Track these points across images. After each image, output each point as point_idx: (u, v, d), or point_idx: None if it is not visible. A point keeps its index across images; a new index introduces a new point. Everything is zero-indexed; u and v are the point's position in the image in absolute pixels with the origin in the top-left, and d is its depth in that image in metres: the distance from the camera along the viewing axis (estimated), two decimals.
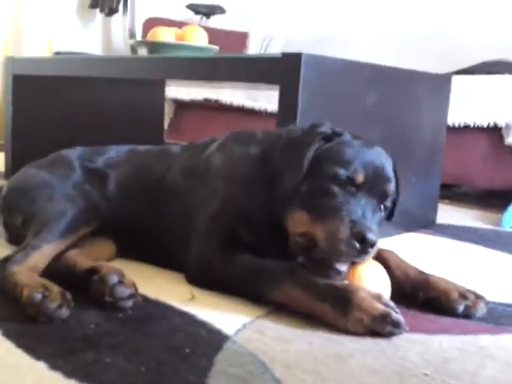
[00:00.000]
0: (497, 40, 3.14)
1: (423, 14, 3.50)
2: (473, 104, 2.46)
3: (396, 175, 1.20)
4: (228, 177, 1.30)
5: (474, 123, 2.45)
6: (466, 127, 2.48)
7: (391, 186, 1.15)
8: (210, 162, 1.36)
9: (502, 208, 2.19)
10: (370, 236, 1.03)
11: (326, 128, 1.18)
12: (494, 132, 2.44)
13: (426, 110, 1.91)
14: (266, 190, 1.21)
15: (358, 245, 1.03)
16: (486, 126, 2.43)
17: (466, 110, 2.46)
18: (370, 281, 1.10)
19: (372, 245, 1.04)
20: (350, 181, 1.10)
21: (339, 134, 1.18)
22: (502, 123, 2.39)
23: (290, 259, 1.15)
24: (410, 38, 3.41)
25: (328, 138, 1.17)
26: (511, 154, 2.41)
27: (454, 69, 2.78)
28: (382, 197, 1.14)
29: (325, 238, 1.06)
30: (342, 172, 1.10)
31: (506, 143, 2.40)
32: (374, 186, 1.12)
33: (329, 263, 1.07)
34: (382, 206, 1.15)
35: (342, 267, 1.08)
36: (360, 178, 1.10)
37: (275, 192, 1.18)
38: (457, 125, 2.46)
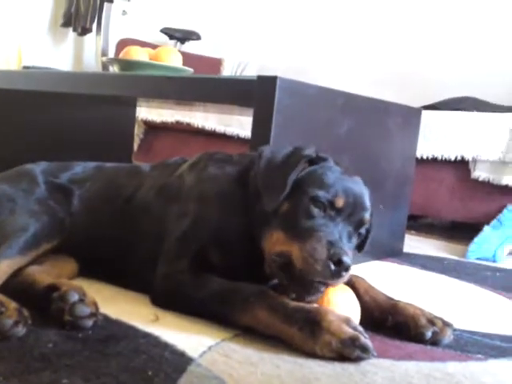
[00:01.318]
0: (463, 78, 3.23)
1: (396, 50, 3.58)
2: (441, 138, 2.51)
3: (370, 206, 1.21)
4: (200, 197, 1.28)
5: (442, 156, 2.49)
6: (434, 160, 2.52)
7: (368, 215, 1.17)
8: (181, 182, 1.34)
9: (468, 240, 2.21)
10: (346, 259, 1.04)
11: (310, 151, 1.19)
12: (461, 165, 2.48)
13: (396, 141, 1.93)
14: (241, 210, 1.20)
15: (333, 267, 1.03)
16: (453, 159, 2.47)
17: (433, 143, 2.51)
18: (340, 305, 1.08)
19: (347, 268, 1.05)
20: (331, 204, 1.12)
21: (323, 159, 1.20)
22: (468, 157, 2.44)
23: (262, 282, 1.14)
24: (382, 72, 3.49)
25: (312, 161, 1.18)
26: (477, 187, 2.45)
27: (422, 104, 2.83)
28: (358, 224, 1.15)
29: (301, 257, 1.06)
30: (323, 195, 1.12)
31: (472, 177, 2.45)
32: (353, 212, 1.13)
33: (309, 281, 1.06)
34: (357, 234, 1.16)
35: (321, 287, 1.07)
36: (340, 202, 1.12)
37: (251, 212, 1.18)
38: (425, 157, 2.50)
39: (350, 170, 1.21)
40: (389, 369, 0.99)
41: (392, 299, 1.21)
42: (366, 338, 0.99)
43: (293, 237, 1.09)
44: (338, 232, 1.10)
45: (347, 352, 0.97)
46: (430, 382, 0.95)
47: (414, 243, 2.26)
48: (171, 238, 1.25)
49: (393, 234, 2.00)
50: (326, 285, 1.07)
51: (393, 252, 1.99)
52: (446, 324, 1.15)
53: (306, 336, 0.99)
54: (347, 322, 1.00)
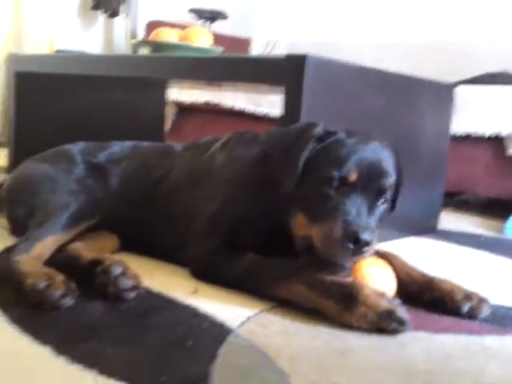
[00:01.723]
0: (500, 51, 3.15)
1: (428, 23, 3.51)
2: (475, 114, 2.46)
3: (398, 166, 1.20)
4: (229, 178, 1.30)
5: (476, 133, 2.46)
6: (469, 136, 2.48)
7: (388, 181, 1.13)
8: (211, 163, 1.36)
9: (504, 216, 2.19)
10: (364, 236, 1.02)
11: (319, 129, 1.16)
12: (496, 142, 2.44)
13: (429, 118, 1.91)
14: (267, 191, 1.21)
15: (351, 245, 1.03)
16: (488, 136, 2.44)
17: (468, 119, 2.47)
18: (374, 279, 1.09)
19: (367, 244, 1.03)
20: (343, 181, 1.09)
21: (332, 134, 1.16)
22: (504, 134, 2.40)
23: (291, 259, 1.15)
24: (415, 47, 3.42)
25: (322, 138, 1.15)
26: None
27: (457, 79, 2.78)
28: (378, 192, 1.12)
29: (319, 240, 1.06)
30: (334, 173, 1.09)
31: (507, 154, 2.41)
32: (369, 182, 1.10)
33: (332, 262, 1.07)
34: (382, 201, 1.13)
35: (347, 264, 1.08)
36: (353, 177, 1.09)
37: (276, 193, 1.18)
38: (459, 134, 2.47)
39: (366, 137, 1.16)
40: (426, 341, 1.00)
41: (427, 275, 1.20)
42: (402, 311, 1.00)
43: (312, 220, 1.09)
44: (356, 207, 1.07)
45: (384, 324, 0.99)
46: (468, 355, 0.96)
47: (449, 220, 2.25)
48: (203, 217, 1.28)
49: (428, 211, 1.99)
50: (351, 263, 1.08)
51: (428, 228, 1.98)
52: (482, 299, 1.15)
53: (343, 309, 1.01)
54: (383, 295, 1.02)
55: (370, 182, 1.10)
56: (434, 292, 1.16)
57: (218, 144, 1.41)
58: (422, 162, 1.90)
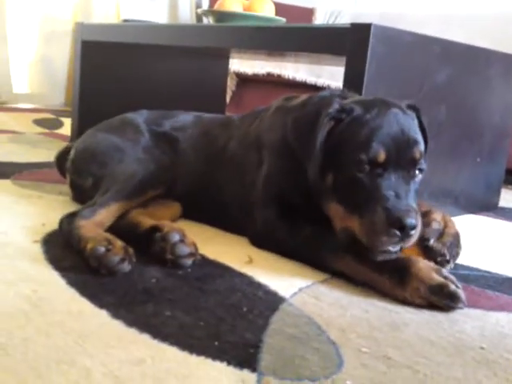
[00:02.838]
0: None
1: None
2: None
3: (422, 125, 1.15)
4: (269, 144, 1.30)
5: None
6: None
7: (418, 149, 1.08)
8: (257, 130, 1.37)
9: None
10: (409, 220, 1.00)
11: (333, 108, 1.10)
12: None
13: (496, 92, 1.85)
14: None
15: (398, 232, 1.00)
16: None
17: None
18: None
19: (413, 228, 1.01)
20: (373, 163, 1.05)
21: (348, 111, 1.11)
22: None
23: None
24: (481, 19, 3.29)
25: (338, 117, 1.11)
26: None
27: None
28: (411, 164, 1.07)
29: (364, 234, 1.03)
30: (362, 157, 1.05)
31: None
32: (400, 156, 1.06)
33: (381, 251, 1.04)
34: (416, 171, 1.09)
35: (395, 248, 1.04)
36: (382, 157, 1.05)
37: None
38: None
39: (382, 105, 1.11)
40: (479, 318, 0.99)
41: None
42: (456, 287, 1.00)
43: (350, 211, 1.06)
44: (393, 187, 1.04)
45: (436, 299, 0.99)
46: None
47: (510, 198, 2.18)
48: (257, 185, 1.29)
49: (489, 188, 1.94)
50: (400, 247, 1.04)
51: (488, 206, 1.93)
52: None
53: (396, 282, 1.01)
54: (437, 270, 1.01)
55: (401, 156, 1.06)
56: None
57: (264, 112, 1.40)
58: (485, 136, 1.85)
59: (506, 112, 1.93)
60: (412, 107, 1.17)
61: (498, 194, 1.99)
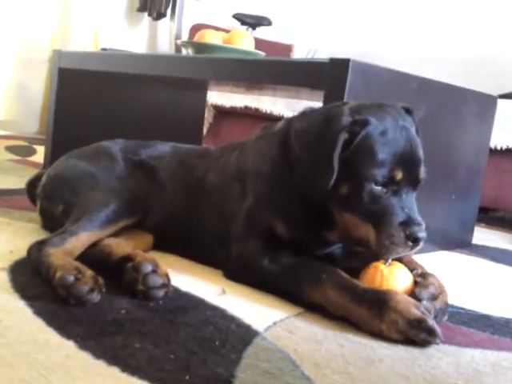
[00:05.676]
0: None
1: (469, 37, 3.46)
2: None
3: (416, 127, 1.21)
4: (254, 173, 1.29)
5: None
6: (508, 150, 2.43)
7: (424, 169, 1.16)
8: (237, 162, 1.36)
9: None
10: (422, 235, 1.09)
11: (346, 119, 1.12)
12: None
13: (470, 129, 1.88)
14: (290, 180, 1.19)
15: (411, 243, 1.10)
16: None
17: (508, 132, 2.42)
18: (396, 283, 1.11)
19: (423, 240, 1.10)
20: (391, 180, 1.12)
21: (362, 124, 1.12)
22: None
23: (328, 246, 1.24)
24: (455, 60, 3.38)
25: (352, 130, 1.12)
26: None
27: (498, 93, 2.73)
28: (417, 181, 1.16)
29: (381, 245, 1.10)
30: (382, 173, 1.11)
31: None
32: (411, 175, 1.14)
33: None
34: (417, 187, 1.17)
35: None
36: (399, 175, 1.12)
37: (298, 180, 1.18)
38: (499, 147, 2.42)
39: (394, 117, 1.15)
40: (454, 355, 0.98)
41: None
42: (433, 322, 0.99)
43: (366, 221, 1.12)
44: (405, 203, 1.12)
45: (413, 333, 0.97)
46: (496, 371, 0.94)
47: (483, 235, 2.20)
48: (239, 217, 1.27)
49: (462, 225, 1.96)
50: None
51: (462, 243, 1.95)
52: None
53: (374, 314, 1.00)
54: (415, 304, 1.01)
55: (411, 175, 1.14)
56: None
57: (246, 142, 1.40)
58: (459, 174, 1.87)
59: (480, 150, 1.95)
60: (407, 110, 1.22)
61: (472, 231, 2.01)
